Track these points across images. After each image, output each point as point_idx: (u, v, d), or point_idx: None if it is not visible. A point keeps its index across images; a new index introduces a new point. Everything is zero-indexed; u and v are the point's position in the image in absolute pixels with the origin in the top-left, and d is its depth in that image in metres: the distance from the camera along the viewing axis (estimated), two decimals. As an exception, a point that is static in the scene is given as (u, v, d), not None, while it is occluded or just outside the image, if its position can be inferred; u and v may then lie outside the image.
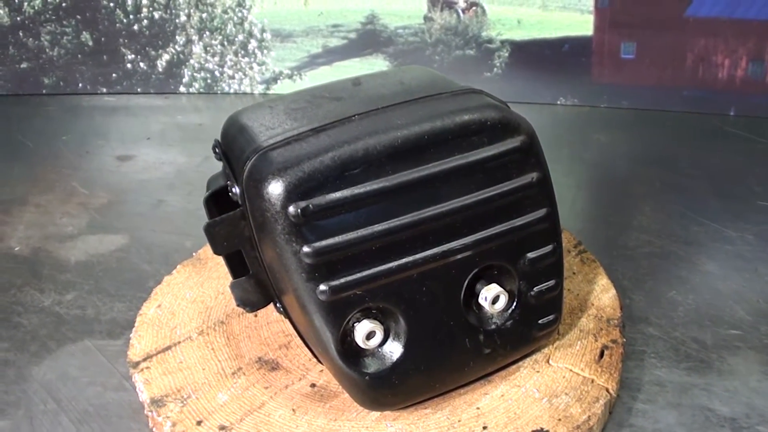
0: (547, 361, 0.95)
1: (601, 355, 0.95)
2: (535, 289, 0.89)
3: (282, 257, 0.80)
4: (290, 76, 1.79)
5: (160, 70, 1.82)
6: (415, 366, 0.85)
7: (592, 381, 0.92)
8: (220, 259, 1.07)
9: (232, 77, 1.81)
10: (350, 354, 0.83)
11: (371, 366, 0.84)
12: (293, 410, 0.89)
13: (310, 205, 0.77)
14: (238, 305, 0.92)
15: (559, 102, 1.71)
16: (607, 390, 0.91)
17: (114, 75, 1.84)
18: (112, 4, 1.77)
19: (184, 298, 1.07)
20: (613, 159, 1.53)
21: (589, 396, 0.90)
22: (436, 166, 0.82)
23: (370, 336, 0.83)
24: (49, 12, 1.79)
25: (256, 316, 1.03)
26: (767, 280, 1.17)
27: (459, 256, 0.84)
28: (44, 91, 1.87)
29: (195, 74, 1.82)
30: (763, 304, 1.12)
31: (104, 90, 1.85)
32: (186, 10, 1.76)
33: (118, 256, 1.26)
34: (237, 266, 0.91)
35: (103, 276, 1.22)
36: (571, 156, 1.54)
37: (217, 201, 0.88)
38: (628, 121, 1.67)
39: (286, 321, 0.98)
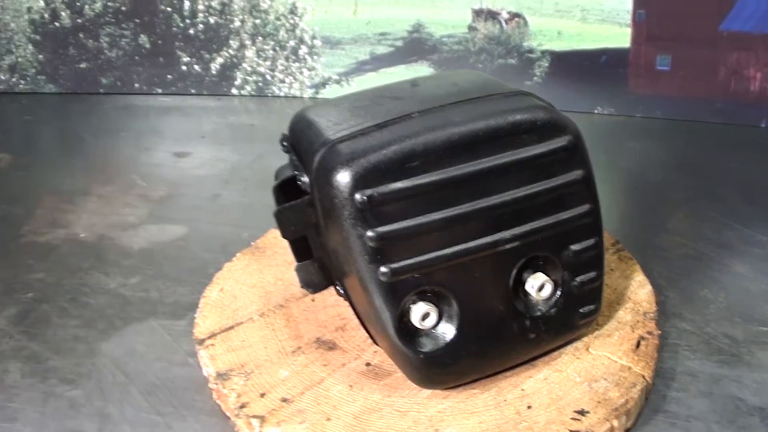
0: (587, 349, 1.00)
1: (638, 345, 1.00)
2: (577, 279, 0.94)
3: (347, 241, 0.86)
4: (338, 82, 1.84)
5: (214, 72, 1.88)
6: (466, 347, 0.90)
7: (629, 368, 0.96)
8: (278, 248, 1.15)
9: (283, 81, 1.87)
10: (406, 333, 0.88)
11: (426, 345, 0.89)
12: (350, 386, 0.94)
13: (375, 194, 0.83)
14: (302, 286, 0.98)
15: (596, 111, 1.76)
16: (643, 377, 0.96)
17: (169, 76, 1.90)
18: (169, 9, 1.83)
19: (244, 282, 1.13)
20: (647, 166, 1.57)
21: (627, 382, 0.94)
22: (489, 162, 0.87)
23: (425, 317, 0.88)
24: (109, 15, 1.86)
25: (313, 300, 1.08)
26: (795, 282, 1.22)
27: (508, 246, 0.89)
28: (101, 91, 1.93)
29: (247, 77, 1.87)
30: (791, 304, 1.17)
31: (159, 90, 1.91)
32: (240, 16, 1.82)
33: (178, 245, 1.33)
34: (301, 251, 0.98)
35: (164, 262, 1.28)
36: (607, 163, 1.58)
37: (285, 190, 0.95)
38: (662, 131, 1.71)
39: (341, 305, 1.04)
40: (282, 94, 1.88)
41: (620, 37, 1.70)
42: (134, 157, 1.63)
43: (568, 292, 0.95)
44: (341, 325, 1.04)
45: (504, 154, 0.88)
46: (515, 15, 1.73)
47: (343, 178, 0.84)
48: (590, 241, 0.94)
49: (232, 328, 1.05)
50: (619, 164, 1.58)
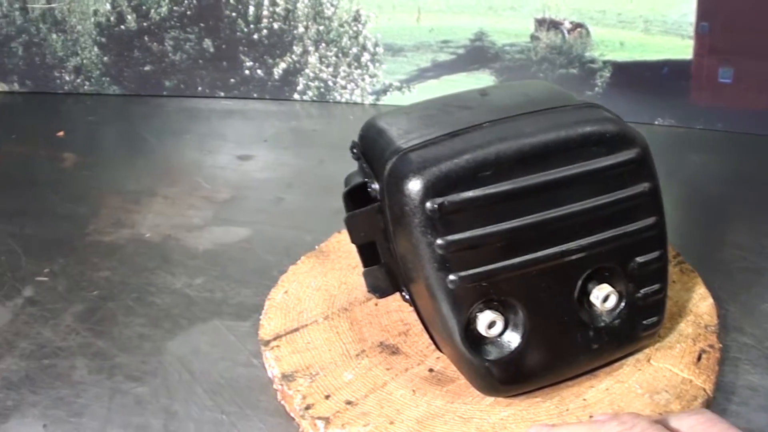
0: (648, 361, 1.00)
1: (699, 358, 1.00)
2: (641, 291, 0.95)
3: (417, 248, 0.87)
4: (399, 89, 1.85)
5: (277, 77, 1.90)
6: (530, 356, 0.91)
7: (691, 381, 0.96)
8: (342, 252, 1.16)
9: (345, 87, 1.88)
10: (472, 341, 0.89)
11: (491, 353, 0.90)
12: (413, 391, 0.95)
13: (446, 202, 0.84)
14: (369, 291, 0.99)
15: (656, 122, 1.75)
16: (705, 390, 0.96)
17: (232, 80, 1.92)
18: (234, 14, 1.85)
19: (309, 286, 1.14)
20: (707, 179, 1.57)
21: (688, 395, 0.94)
22: (558, 173, 0.88)
23: (491, 325, 0.89)
24: (174, 19, 1.88)
25: (376, 305, 1.10)
26: None
27: (575, 257, 0.90)
28: (164, 93, 1.96)
29: (309, 83, 1.89)
30: None
31: (222, 94, 1.94)
32: (304, 22, 1.83)
33: (242, 247, 1.34)
34: (369, 256, 0.99)
35: (228, 264, 1.29)
36: (667, 174, 1.55)
37: (354, 196, 0.96)
38: (723, 144, 1.70)
39: (404, 310, 1.06)
40: (343, 100, 1.89)
41: (682, 49, 1.69)
42: (198, 160, 1.65)
43: (632, 303, 0.95)
44: (404, 330, 1.05)
45: (574, 165, 0.88)
46: (578, 25, 1.73)
47: (415, 186, 0.85)
48: (655, 254, 0.95)
49: (296, 330, 1.06)
50: (679, 176, 1.58)
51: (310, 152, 1.67)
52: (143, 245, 1.35)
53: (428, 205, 0.84)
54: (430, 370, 0.99)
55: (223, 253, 1.32)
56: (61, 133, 1.78)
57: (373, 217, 0.93)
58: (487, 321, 0.88)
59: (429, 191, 0.84)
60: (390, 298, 1.05)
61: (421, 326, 0.98)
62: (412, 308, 0.98)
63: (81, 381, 1.06)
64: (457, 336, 0.89)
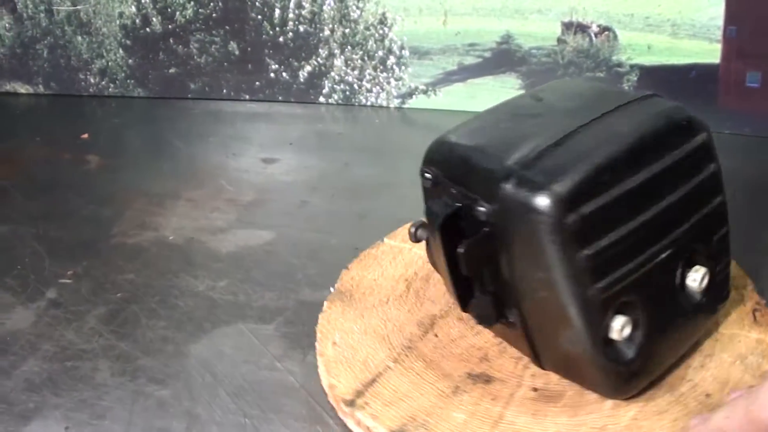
0: (719, 331, 1.03)
1: (755, 317, 1.04)
2: (718, 266, 0.97)
3: (552, 264, 0.85)
4: (425, 92, 1.85)
5: (302, 80, 1.89)
6: (651, 350, 0.92)
7: (763, 340, 1.00)
8: (365, 289, 1.15)
9: (370, 90, 1.87)
10: (607, 347, 0.89)
11: (626, 355, 0.90)
12: (533, 415, 0.93)
13: (586, 212, 0.83)
14: (477, 322, 0.98)
15: (685, 127, 1.74)
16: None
17: (257, 83, 1.91)
18: (260, 17, 1.85)
19: (353, 331, 1.08)
20: (735, 183, 1.55)
21: (768, 352, 0.99)
22: (658, 165, 0.89)
23: (623, 328, 0.88)
24: (200, 21, 1.88)
25: (437, 335, 1.06)
26: None
27: (678, 244, 0.92)
28: (189, 96, 1.95)
29: (335, 86, 1.88)
30: None
31: (247, 97, 1.93)
32: (330, 25, 1.83)
33: (267, 250, 1.34)
34: (464, 288, 0.96)
35: (252, 267, 1.29)
36: (696, 179, 1.57)
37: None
38: (750, 148, 1.68)
39: (469, 335, 1.05)
40: (369, 103, 1.88)
41: (710, 53, 1.68)
42: (222, 162, 1.65)
43: (714, 279, 0.97)
44: (482, 355, 1.02)
45: (667, 156, 0.90)
46: (605, 29, 1.72)
47: (550, 201, 0.83)
48: (724, 230, 0.98)
49: (373, 381, 1.00)
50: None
51: (335, 155, 1.66)
52: (167, 248, 1.35)
53: (570, 218, 0.83)
54: (534, 390, 0.97)
55: (247, 256, 1.32)
56: (85, 136, 1.78)
57: (485, 244, 0.90)
58: (620, 325, 0.88)
59: (566, 204, 0.83)
60: (445, 325, 1.06)
61: (499, 347, 1.00)
62: (477, 331, 1.02)
63: (103, 383, 1.06)
64: (594, 346, 0.88)
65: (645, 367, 0.92)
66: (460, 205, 0.91)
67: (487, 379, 0.98)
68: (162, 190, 1.53)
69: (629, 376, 0.91)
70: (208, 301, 1.21)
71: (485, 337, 1.04)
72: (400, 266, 1.19)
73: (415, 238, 0.99)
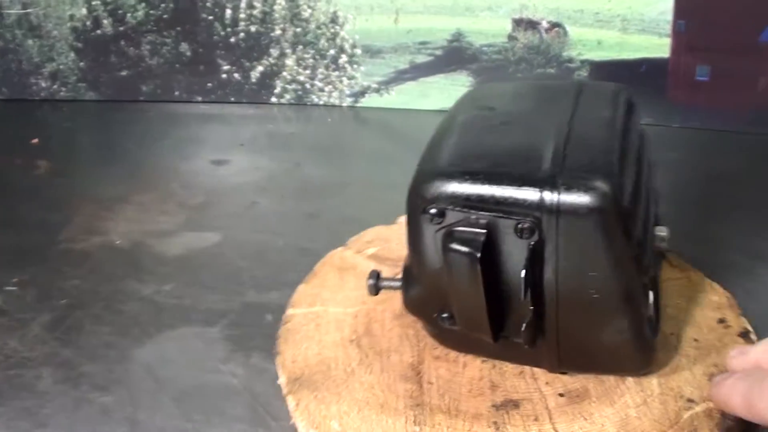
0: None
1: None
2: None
3: (618, 258, 0.85)
4: (377, 90, 1.84)
5: (254, 80, 1.88)
6: (657, 317, 0.96)
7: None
8: (317, 368, 1.02)
9: (322, 90, 1.87)
10: (648, 325, 0.92)
11: (654, 329, 0.94)
12: (583, 418, 0.92)
13: (625, 202, 0.85)
14: (526, 346, 0.92)
15: (635, 121, 1.75)
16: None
17: (209, 84, 1.91)
18: (210, 17, 1.84)
19: (347, 414, 0.96)
20: (684, 176, 1.56)
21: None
22: (639, 144, 0.95)
23: (651, 303, 0.92)
24: (151, 23, 1.87)
25: (431, 383, 0.98)
26: (829, 292, 1.21)
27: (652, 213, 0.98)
28: (142, 98, 1.94)
29: (287, 86, 1.88)
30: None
31: (199, 98, 1.92)
32: (281, 25, 1.82)
33: (214, 252, 1.33)
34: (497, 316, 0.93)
35: (199, 270, 1.28)
36: (647, 174, 1.57)
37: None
38: (700, 141, 1.69)
39: (462, 369, 1.00)
40: (321, 102, 1.88)
41: (660, 47, 1.69)
42: (173, 165, 1.64)
43: None
44: (489, 384, 0.98)
45: (638, 133, 0.96)
46: (555, 25, 1.72)
47: (602, 198, 0.82)
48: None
49: None
50: (656, 173, 1.57)
51: (286, 156, 1.66)
52: (114, 252, 1.34)
53: (622, 209, 0.84)
54: (561, 395, 0.95)
55: (194, 258, 1.31)
56: (35, 141, 1.77)
57: (533, 261, 0.87)
58: (651, 301, 0.92)
59: (616, 197, 0.83)
60: (431, 369, 1.01)
61: (496, 371, 0.99)
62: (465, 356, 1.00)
63: (46, 391, 1.04)
64: (642, 328, 0.90)
65: (657, 334, 0.95)
66: (485, 231, 0.87)
67: (514, 404, 0.95)
68: (111, 194, 1.52)
69: (653, 347, 0.94)
70: (154, 306, 1.20)
71: (475, 365, 1.01)
72: (331, 330, 1.08)
73: (376, 290, 0.99)
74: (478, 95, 1.05)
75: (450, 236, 0.87)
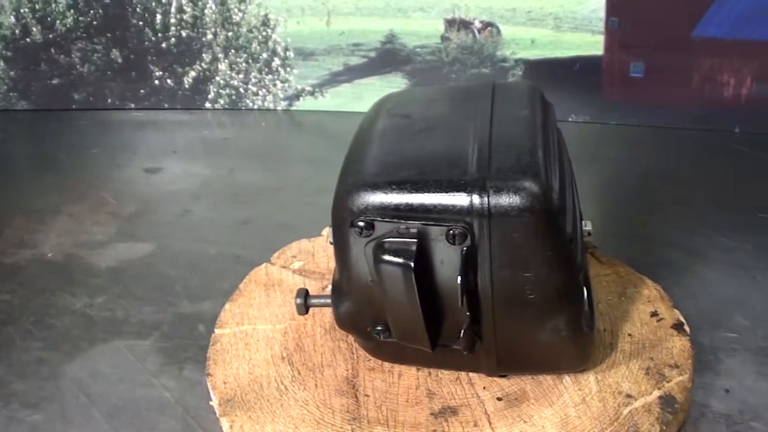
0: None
1: None
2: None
3: (556, 252, 0.85)
4: (312, 93, 1.84)
5: (187, 86, 1.87)
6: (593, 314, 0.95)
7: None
8: (249, 388, 0.99)
9: (256, 94, 1.86)
10: (586, 320, 0.91)
11: (591, 322, 0.92)
12: (522, 421, 0.92)
13: (557, 197, 0.85)
14: (466, 352, 0.91)
15: (570, 119, 1.75)
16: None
17: (142, 91, 1.89)
18: (141, 23, 1.82)
19: (288, 411, 0.96)
20: (621, 173, 1.57)
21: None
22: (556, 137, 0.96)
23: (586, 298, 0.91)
24: (81, 30, 1.85)
25: (368, 395, 0.97)
26: (765, 287, 1.22)
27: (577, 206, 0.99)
28: (74, 107, 1.92)
29: (220, 91, 1.87)
30: (760, 310, 1.17)
31: (132, 105, 1.90)
32: (212, 29, 1.81)
33: (146, 263, 1.32)
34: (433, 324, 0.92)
35: (131, 281, 1.27)
36: (581, 170, 1.57)
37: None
38: (637, 138, 1.71)
39: (397, 379, 0.99)
40: (255, 107, 1.87)
41: (593, 45, 1.70)
42: (106, 174, 1.63)
43: None
44: (426, 392, 0.97)
45: (554, 125, 0.98)
46: (488, 24, 1.73)
47: (536, 196, 0.82)
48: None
49: None
50: (592, 172, 1.58)
51: (220, 161, 1.65)
52: (45, 265, 1.32)
53: (556, 205, 0.84)
54: (499, 399, 0.95)
55: (126, 270, 1.30)
56: (-35, 152, 1.75)
57: (467, 265, 0.86)
58: (586, 295, 0.91)
59: (550, 193, 0.83)
60: (366, 379, 0.99)
61: (432, 378, 0.98)
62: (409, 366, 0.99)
63: (-25, 411, 1.03)
64: (580, 322, 0.90)
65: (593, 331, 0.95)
66: (416, 240, 0.86)
67: (453, 411, 0.94)
68: (42, 205, 1.50)
69: (591, 343, 0.94)
70: (86, 319, 1.19)
71: (411, 374, 1.00)
72: (261, 349, 1.05)
73: (305, 309, 0.97)
74: (390, 104, 1.03)
75: (381, 248, 0.86)
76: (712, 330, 1.13)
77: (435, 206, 0.84)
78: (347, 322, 0.96)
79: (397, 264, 0.84)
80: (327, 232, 1.04)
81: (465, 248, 0.84)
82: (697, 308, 1.16)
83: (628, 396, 0.93)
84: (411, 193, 0.85)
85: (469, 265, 0.85)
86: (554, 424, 0.91)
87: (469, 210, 0.83)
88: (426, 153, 0.90)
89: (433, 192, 0.84)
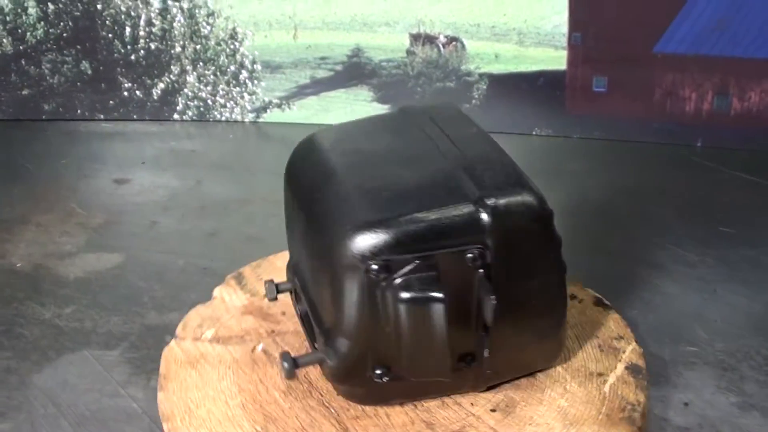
0: None
1: None
2: None
3: (554, 260, 0.88)
4: (279, 106, 1.85)
5: (156, 98, 1.88)
6: None
7: None
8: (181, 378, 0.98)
9: (224, 106, 1.87)
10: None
11: None
12: (529, 425, 0.92)
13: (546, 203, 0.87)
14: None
15: (534, 132, 1.78)
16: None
17: (111, 102, 1.90)
18: (110, 35, 1.84)
19: None
20: (584, 187, 1.59)
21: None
22: None
23: None
24: (51, 41, 1.86)
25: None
26: (725, 300, 1.24)
27: None
28: (44, 117, 1.92)
29: (189, 102, 1.88)
30: (720, 323, 1.20)
31: (101, 116, 1.91)
32: (181, 42, 1.82)
33: (115, 273, 1.33)
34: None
35: (100, 291, 1.28)
36: (545, 185, 1.58)
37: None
38: (600, 152, 1.73)
39: (390, 415, 0.95)
40: (223, 118, 1.88)
41: (557, 60, 1.72)
42: (74, 185, 1.63)
43: None
44: (425, 426, 0.94)
45: None
46: (453, 39, 1.75)
47: (534, 201, 0.85)
48: None
49: None
50: (555, 186, 1.59)
51: (188, 173, 1.66)
52: (14, 276, 1.33)
53: (550, 208, 0.87)
54: (493, 411, 0.94)
55: (95, 280, 1.31)
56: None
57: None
58: None
59: (544, 201, 0.86)
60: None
61: (428, 404, 0.95)
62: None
63: (-56, 421, 1.04)
64: (565, 318, 0.92)
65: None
66: (436, 271, 0.83)
67: (428, 423, 0.93)
68: (11, 215, 1.51)
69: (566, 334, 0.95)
70: (54, 329, 1.19)
71: (398, 411, 0.94)
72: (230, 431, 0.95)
73: (294, 374, 0.90)
74: (325, 143, 0.97)
75: (406, 287, 0.81)
76: (672, 344, 1.15)
77: (450, 232, 0.83)
78: (344, 372, 0.90)
79: (428, 299, 0.81)
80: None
81: (482, 268, 0.84)
82: (658, 322, 1.19)
83: (600, 374, 0.96)
84: (422, 223, 0.82)
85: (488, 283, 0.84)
86: (555, 418, 0.91)
87: (483, 228, 0.82)
88: (412, 182, 0.87)
89: (444, 217, 0.83)
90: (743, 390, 1.07)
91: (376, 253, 0.81)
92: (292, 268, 0.99)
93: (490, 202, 0.82)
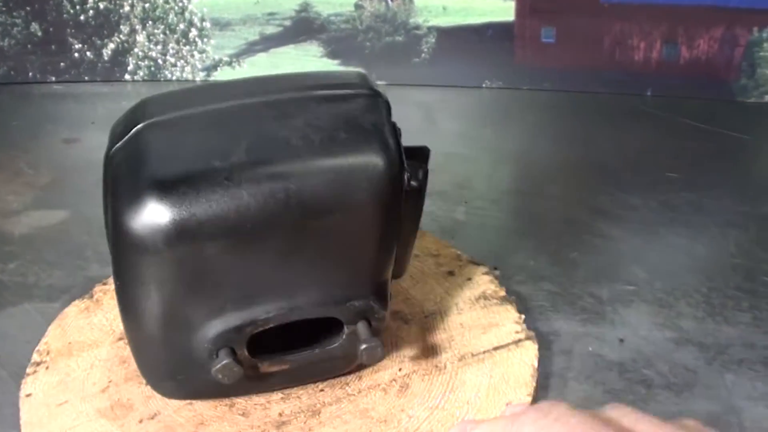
0: None
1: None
2: None
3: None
4: (229, 63, 1.85)
5: (106, 58, 1.88)
6: None
7: None
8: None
9: (175, 65, 1.87)
10: None
11: None
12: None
13: None
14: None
15: (484, 85, 1.78)
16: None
17: (62, 64, 1.89)
18: (59, -4, 1.83)
19: None
20: (533, 138, 1.61)
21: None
22: None
23: None
24: (0, 4, 1.85)
25: None
26: (666, 242, 1.26)
27: None
28: (-5, 81, 1.92)
29: (139, 62, 1.87)
30: (659, 263, 1.21)
31: (53, 78, 1.91)
32: (129, 1, 1.82)
33: (60, 229, 1.33)
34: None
35: (44, 247, 1.28)
36: (494, 135, 1.61)
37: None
38: (550, 103, 1.74)
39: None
40: (174, 78, 1.88)
41: (505, 11, 1.72)
42: (24, 145, 1.63)
43: None
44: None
45: None
46: (401, -9, 1.75)
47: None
48: None
49: None
50: (505, 136, 1.61)
51: (138, 132, 1.65)
52: (-42, 234, 1.33)
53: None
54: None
55: (39, 236, 1.31)
56: None
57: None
58: None
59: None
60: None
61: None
62: None
63: None
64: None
65: None
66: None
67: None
68: (-41, 176, 1.51)
69: None
70: (-3, 284, 1.20)
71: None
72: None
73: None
74: (158, 106, 0.90)
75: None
76: (610, 283, 1.16)
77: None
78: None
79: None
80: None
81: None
82: (597, 263, 1.20)
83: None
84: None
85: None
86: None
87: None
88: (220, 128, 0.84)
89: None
90: (679, 326, 1.08)
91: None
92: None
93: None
